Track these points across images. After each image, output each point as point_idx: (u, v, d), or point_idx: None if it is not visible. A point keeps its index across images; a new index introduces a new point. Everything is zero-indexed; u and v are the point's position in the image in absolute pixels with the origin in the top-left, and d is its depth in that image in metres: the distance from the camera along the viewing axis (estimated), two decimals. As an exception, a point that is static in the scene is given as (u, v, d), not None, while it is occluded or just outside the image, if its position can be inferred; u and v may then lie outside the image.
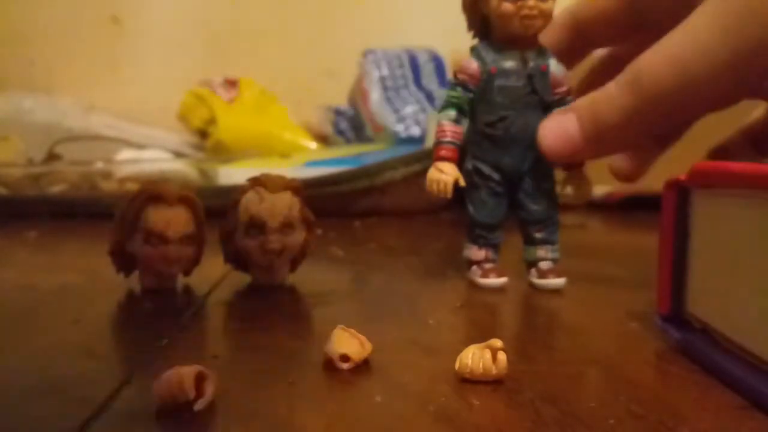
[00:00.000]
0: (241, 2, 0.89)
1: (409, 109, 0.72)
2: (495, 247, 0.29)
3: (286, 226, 0.27)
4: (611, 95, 0.24)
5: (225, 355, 0.21)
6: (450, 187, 0.27)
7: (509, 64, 0.27)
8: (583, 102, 0.25)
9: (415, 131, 0.70)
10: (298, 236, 0.28)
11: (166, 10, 0.88)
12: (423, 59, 0.79)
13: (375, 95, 0.75)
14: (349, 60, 0.80)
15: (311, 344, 0.21)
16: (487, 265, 0.29)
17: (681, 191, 0.21)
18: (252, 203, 0.27)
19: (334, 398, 0.17)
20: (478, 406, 0.16)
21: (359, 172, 0.52)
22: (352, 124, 0.79)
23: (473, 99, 0.28)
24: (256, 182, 0.28)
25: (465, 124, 0.28)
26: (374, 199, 0.52)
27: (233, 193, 0.28)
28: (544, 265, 0.29)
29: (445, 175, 0.27)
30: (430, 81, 0.78)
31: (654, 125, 0.24)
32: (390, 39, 0.80)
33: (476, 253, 0.29)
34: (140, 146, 0.69)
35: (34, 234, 0.43)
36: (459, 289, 0.30)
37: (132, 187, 0.25)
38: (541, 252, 0.29)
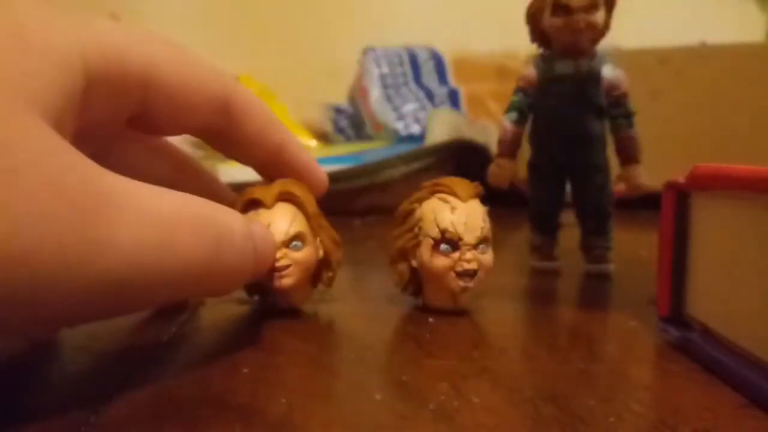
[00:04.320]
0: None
1: (409, 107, 0.72)
2: (551, 234, 0.32)
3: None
4: None
5: (225, 354, 0.21)
6: (506, 181, 0.30)
7: (562, 71, 0.29)
8: None
9: (415, 129, 0.70)
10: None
11: (165, 6, 0.88)
12: (423, 57, 0.79)
13: (375, 93, 0.75)
14: (349, 58, 0.80)
15: (311, 342, 0.21)
16: (543, 250, 0.32)
17: (680, 193, 0.21)
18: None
19: (333, 396, 0.17)
20: (478, 404, 0.16)
21: (359, 170, 0.52)
22: (352, 122, 0.79)
23: (532, 102, 0.30)
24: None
25: (525, 125, 0.31)
26: (374, 197, 0.52)
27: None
28: (596, 251, 0.31)
29: (502, 170, 0.30)
30: (430, 79, 0.78)
31: None
32: (390, 37, 0.80)
33: (534, 238, 0.32)
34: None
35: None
36: (459, 287, 0.29)
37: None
38: (593, 240, 0.31)
